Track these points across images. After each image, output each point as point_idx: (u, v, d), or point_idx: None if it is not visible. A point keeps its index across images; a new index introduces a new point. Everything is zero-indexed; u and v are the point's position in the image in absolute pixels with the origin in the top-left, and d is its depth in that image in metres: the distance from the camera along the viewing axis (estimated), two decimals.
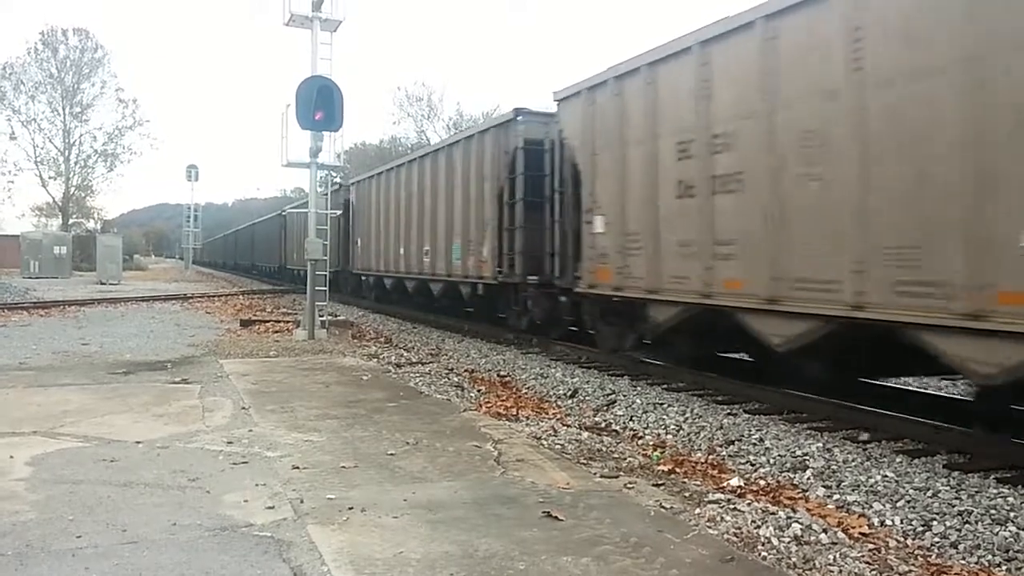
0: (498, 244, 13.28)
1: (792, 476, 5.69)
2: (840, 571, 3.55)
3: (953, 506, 4.89)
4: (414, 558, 3.47)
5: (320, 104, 12.49)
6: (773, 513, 4.24)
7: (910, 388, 8.70)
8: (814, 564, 3.59)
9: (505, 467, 5.02)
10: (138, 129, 55.03)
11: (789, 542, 3.82)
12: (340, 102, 12.69)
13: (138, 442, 5.56)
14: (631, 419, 7.75)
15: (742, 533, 3.92)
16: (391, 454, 5.32)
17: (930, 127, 5.89)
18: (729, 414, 7.64)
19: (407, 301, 19.54)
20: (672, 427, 7.33)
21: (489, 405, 7.85)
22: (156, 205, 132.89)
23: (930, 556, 4.15)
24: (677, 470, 5.54)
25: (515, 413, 7.47)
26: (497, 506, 4.22)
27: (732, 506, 4.37)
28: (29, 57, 51.83)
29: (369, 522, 3.95)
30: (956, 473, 5.54)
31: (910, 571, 3.71)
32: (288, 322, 15.05)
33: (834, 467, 5.79)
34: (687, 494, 4.70)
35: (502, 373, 10.75)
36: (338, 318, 16.12)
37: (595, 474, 5.02)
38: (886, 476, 5.49)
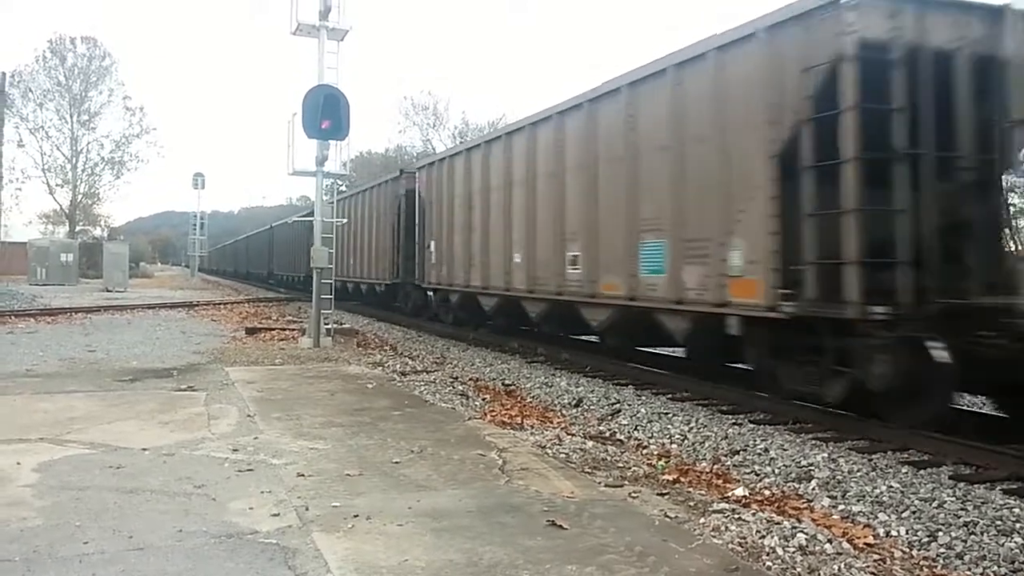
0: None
1: (797, 486, 5.68)
2: None
3: (959, 517, 4.88)
4: (419, 566, 3.48)
5: (326, 113, 12.55)
6: (778, 523, 4.24)
7: None
8: (819, 574, 3.59)
9: (510, 476, 5.02)
10: (145, 137, 55.42)
11: (794, 552, 3.81)
12: (346, 111, 12.76)
13: (144, 449, 5.58)
14: (636, 428, 7.75)
15: (747, 543, 3.92)
16: (396, 462, 5.33)
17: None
18: (734, 424, 7.63)
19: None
20: (677, 437, 7.33)
21: (494, 414, 7.86)
22: (162, 213, 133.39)
23: (935, 567, 4.14)
24: (682, 479, 5.54)
25: (520, 422, 7.47)
26: (502, 514, 4.23)
27: (737, 516, 4.36)
28: (37, 65, 52.27)
29: (374, 530, 3.96)
30: (962, 484, 5.53)
31: None
32: (293, 330, 15.10)
33: (839, 477, 5.79)
34: (692, 504, 4.70)
35: (507, 382, 10.76)
36: (343, 326, 16.16)
37: (600, 483, 5.02)
38: (891, 487, 5.48)
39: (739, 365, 9.76)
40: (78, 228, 56.24)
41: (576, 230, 10.83)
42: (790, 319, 7.03)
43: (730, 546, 3.86)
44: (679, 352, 11.72)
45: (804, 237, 6.92)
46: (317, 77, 13.04)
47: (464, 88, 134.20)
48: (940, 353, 6.29)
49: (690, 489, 5.20)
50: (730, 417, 7.94)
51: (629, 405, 8.74)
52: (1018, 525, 4.69)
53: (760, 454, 6.55)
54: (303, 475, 4.95)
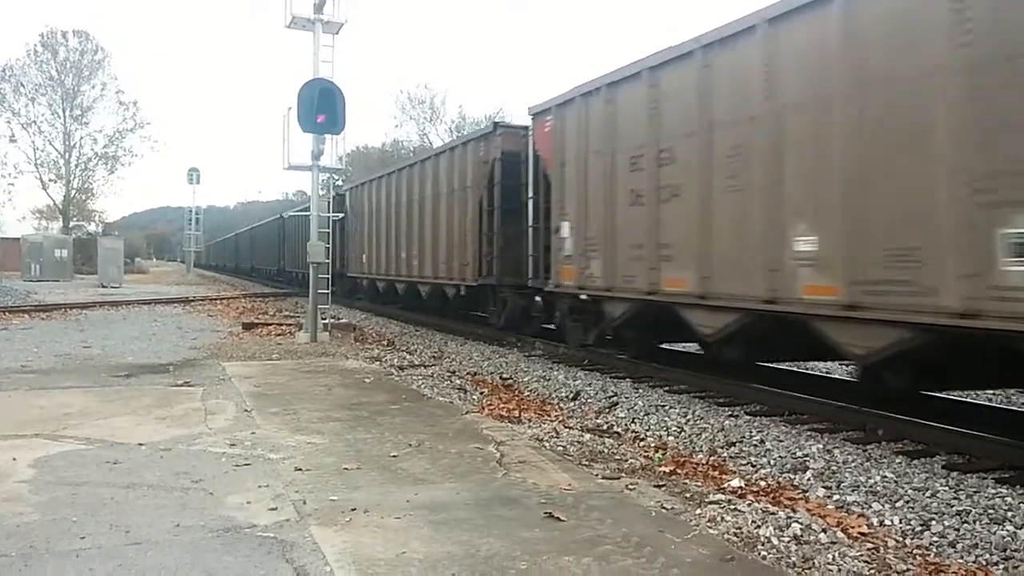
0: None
1: (792, 477, 5.71)
2: (839, 570, 3.57)
3: (951, 506, 4.91)
4: (416, 558, 3.49)
5: (322, 107, 12.53)
6: (773, 513, 4.27)
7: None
8: (813, 563, 3.62)
9: (507, 469, 5.04)
10: (139, 131, 55.15)
11: (789, 541, 3.84)
12: (342, 105, 12.74)
13: (141, 444, 5.59)
14: (633, 421, 7.78)
15: (742, 533, 3.94)
16: (394, 456, 5.34)
17: None
18: (730, 416, 7.66)
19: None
20: (674, 429, 7.36)
21: (492, 407, 7.87)
22: (158, 208, 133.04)
23: (928, 555, 4.17)
24: (678, 471, 5.56)
25: (517, 415, 7.49)
26: (499, 507, 4.25)
27: (732, 506, 4.39)
28: (29, 59, 51.97)
29: (372, 523, 3.97)
30: (955, 473, 5.57)
31: (908, 570, 3.74)
32: (290, 325, 15.09)
33: (834, 468, 5.82)
34: (688, 495, 4.72)
35: (505, 376, 10.78)
36: (340, 321, 16.17)
37: (597, 475, 5.04)
38: (885, 476, 5.51)
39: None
40: (72, 223, 56.08)
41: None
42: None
43: (726, 536, 3.88)
44: (678, 347, 11.77)
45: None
46: (312, 71, 13.02)
47: (461, 82, 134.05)
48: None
49: (686, 480, 5.22)
50: (726, 409, 7.97)
51: (626, 398, 8.77)
52: (1010, 514, 4.72)
53: (756, 445, 6.58)
54: (301, 469, 4.96)
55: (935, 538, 4.44)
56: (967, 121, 5.58)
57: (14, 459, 5.13)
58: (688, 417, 7.70)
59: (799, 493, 5.29)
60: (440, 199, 16.28)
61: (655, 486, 4.89)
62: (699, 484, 5.13)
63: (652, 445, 6.75)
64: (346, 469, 4.99)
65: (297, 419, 6.55)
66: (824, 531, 4.03)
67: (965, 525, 4.59)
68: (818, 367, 10.68)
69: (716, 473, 5.79)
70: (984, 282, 5.42)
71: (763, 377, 8.92)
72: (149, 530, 3.84)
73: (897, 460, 5.97)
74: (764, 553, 3.70)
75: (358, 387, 8.37)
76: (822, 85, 6.87)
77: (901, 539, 4.39)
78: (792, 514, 4.28)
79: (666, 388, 9.20)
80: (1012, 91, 5.29)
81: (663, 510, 4.27)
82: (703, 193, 8.29)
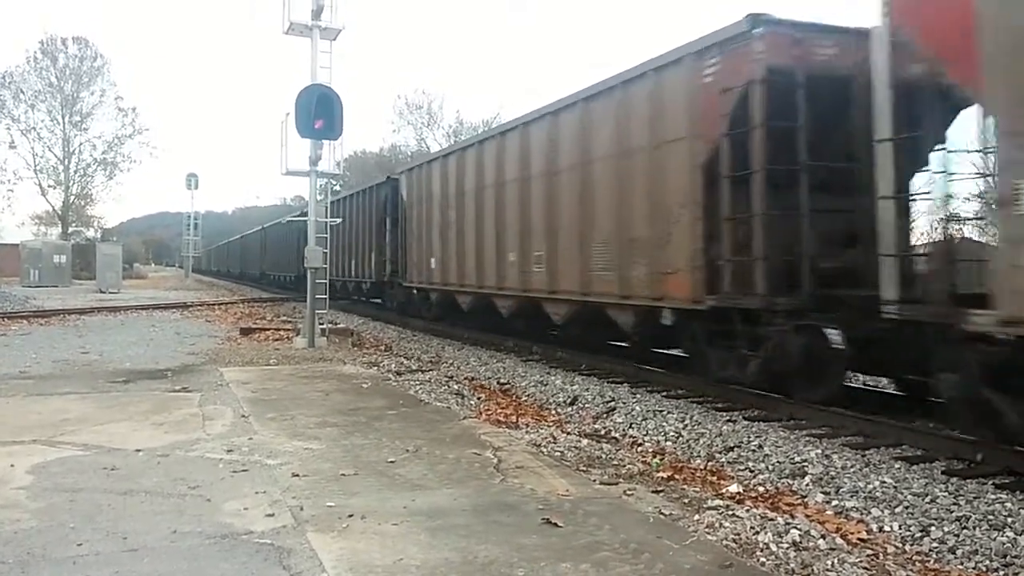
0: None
1: (791, 482, 5.70)
2: None
3: (951, 512, 4.90)
4: (414, 564, 3.48)
5: (320, 112, 12.54)
6: (772, 519, 4.26)
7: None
8: (812, 570, 3.61)
9: (505, 474, 5.03)
10: (137, 137, 55.15)
11: (787, 548, 3.83)
12: (340, 110, 12.75)
13: (138, 450, 5.57)
14: (631, 426, 7.77)
15: (741, 539, 3.93)
16: (391, 461, 5.33)
17: None
18: (728, 421, 7.65)
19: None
20: (671, 434, 7.35)
21: (489, 412, 7.87)
22: (156, 214, 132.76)
23: (928, 561, 4.16)
24: (676, 477, 5.56)
25: (515, 420, 7.49)
26: (497, 513, 4.24)
27: (731, 512, 4.38)
28: (28, 66, 51.98)
29: (369, 529, 3.96)
30: (954, 479, 5.56)
31: None
32: (288, 330, 15.08)
33: (833, 473, 5.81)
34: (686, 500, 4.72)
35: (502, 380, 10.77)
36: (338, 326, 16.14)
37: (594, 481, 5.03)
38: (884, 482, 5.50)
39: None
40: (71, 229, 56.04)
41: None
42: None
43: (724, 543, 3.87)
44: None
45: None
46: (310, 77, 13.03)
47: (459, 85, 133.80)
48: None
49: (684, 486, 5.21)
50: (724, 414, 7.96)
51: (624, 403, 8.75)
52: (1010, 519, 4.72)
53: (754, 451, 6.57)
54: (298, 475, 4.95)
55: (935, 544, 4.43)
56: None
57: (12, 465, 5.11)
58: (686, 422, 7.69)
59: (798, 499, 5.28)
60: (609, 166, 10.05)
61: (653, 492, 4.88)
62: (697, 490, 5.12)
63: (650, 450, 6.74)
64: (343, 475, 4.98)
65: (294, 425, 6.53)
66: (823, 537, 4.02)
67: (965, 531, 4.58)
68: None
69: (714, 479, 5.78)
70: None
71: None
72: (146, 537, 3.82)
73: (896, 466, 5.96)
74: (763, 559, 3.69)
75: (355, 392, 8.35)
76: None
77: (900, 545, 4.39)
78: (791, 520, 4.28)
79: (664, 393, 9.19)
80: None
81: (661, 516, 4.26)
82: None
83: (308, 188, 13.80)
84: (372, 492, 4.63)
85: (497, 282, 13.35)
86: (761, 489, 5.50)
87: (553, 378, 10.58)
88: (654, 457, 6.31)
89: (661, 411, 8.22)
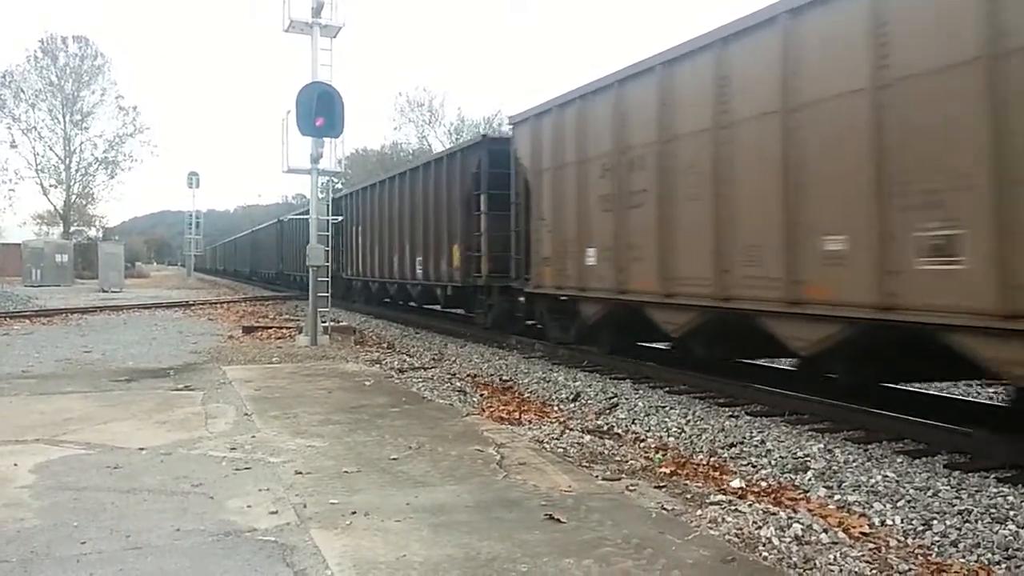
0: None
1: (793, 477, 5.70)
2: (840, 570, 3.57)
3: (953, 505, 4.90)
4: (417, 561, 3.49)
5: (321, 110, 12.54)
6: (774, 514, 4.26)
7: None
8: (815, 564, 3.61)
9: (507, 471, 5.04)
10: (139, 136, 55.25)
11: (790, 542, 3.83)
12: (341, 108, 12.75)
13: (141, 449, 5.58)
14: (633, 422, 7.77)
15: (743, 534, 3.93)
16: (394, 459, 5.34)
17: None
18: (731, 416, 7.65)
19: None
20: (674, 429, 7.35)
21: (492, 410, 7.87)
22: (158, 212, 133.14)
23: (930, 555, 4.16)
24: (679, 472, 5.56)
25: (518, 417, 7.49)
26: (499, 509, 4.25)
27: (733, 507, 4.39)
28: (29, 65, 52.12)
29: (372, 526, 3.97)
30: (956, 473, 5.56)
31: (910, 570, 3.73)
32: (290, 328, 15.10)
33: (835, 468, 5.81)
34: (689, 496, 4.72)
35: (505, 377, 10.77)
36: (340, 324, 16.17)
37: (597, 477, 5.04)
38: (887, 476, 5.50)
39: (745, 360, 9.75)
40: (73, 228, 56.13)
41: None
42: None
43: (727, 537, 3.88)
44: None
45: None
46: (311, 74, 13.03)
47: (461, 83, 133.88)
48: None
49: (687, 481, 5.21)
50: (727, 409, 7.96)
51: (627, 399, 8.76)
52: (1012, 512, 4.71)
53: (756, 446, 6.57)
54: (301, 473, 4.96)
55: (937, 538, 4.42)
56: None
57: (15, 464, 5.13)
58: (688, 418, 7.69)
59: (800, 493, 5.28)
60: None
61: (656, 487, 4.89)
62: (700, 485, 5.12)
63: (652, 446, 6.74)
64: (346, 472, 4.99)
65: (297, 422, 6.54)
66: (825, 531, 4.02)
67: (967, 524, 4.58)
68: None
69: (717, 474, 5.78)
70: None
71: (763, 377, 8.92)
72: (149, 535, 3.83)
73: (898, 460, 5.96)
74: (765, 554, 3.70)
75: (358, 390, 8.36)
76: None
77: (903, 539, 4.38)
78: (793, 514, 4.28)
79: (666, 389, 9.19)
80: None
81: (664, 511, 4.26)
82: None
83: (309, 186, 13.81)
84: (375, 489, 4.64)
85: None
86: (763, 484, 5.50)
87: (556, 374, 10.59)
88: (657, 453, 6.31)
89: (664, 407, 8.22)
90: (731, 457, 6.36)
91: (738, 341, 8.59)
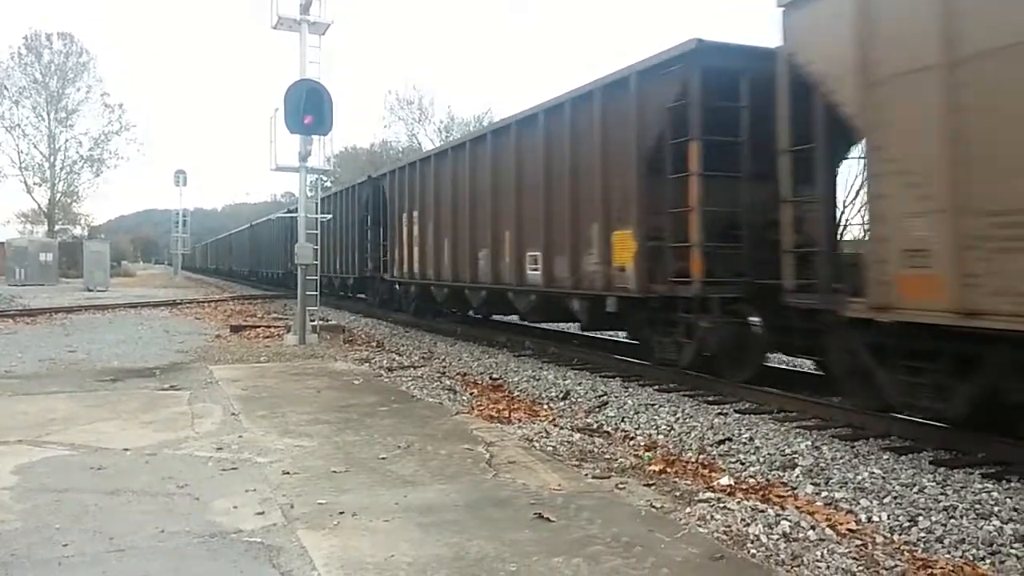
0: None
1: (781, 474, 5.71)
2: (828, 567, 3.57)
3: (939, 501, 4.92)
4: (405, 561, 3.47)
5: (309, 108, 12.49)
6: (762, 511, 4.26)
7: None
8: (802, 560, 3.62)
9: (497, 469, 5.02)
10: (125, 134, 54.81)
11: (778, 539, 3.84)
12: (329, 106, 12.70)
13: (126, 449, 5.54)
14: (623, 420, 7.77)
15: (732, 531, 3.94)
16: (382, 458, 5.31)
17: None
18: (720, 414, 7.66)
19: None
20: (663, 427, 7.35)
21: (481, 408, 7.86)
22: (144, 211, 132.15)
23: (916, 551, 4.18)
24: (668, 470, 5.56)
25: (507, 416, 7.48)
26: (489, 508, 4.23)
27: (722, 505, 4.39)
28: (12, 62, 51.55)
29: (360, 526, 3.95)
30: (942, 469, 5.58)
31: (896, 566, 3.74)
32: (279, 327, 15.03)
33: (823, 465, 5.82)
34: (678, 493, 4.72)
35: (494, 376, 10.75)
36: (329, 323, 16.10)
37: (586, 475, 5.03)
38: (873, 473, 5.52)
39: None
40: (57, 227, 55.68)
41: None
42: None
43: (715, 535, 3.88)
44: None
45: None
46: (299, 72, 12.96)
47: (452, 82, 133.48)
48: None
49: (676, 479, 5.22)
50: (716, 407, 7.97)
51: (616, 397, 8.76)
52: (996, 508, 4.74)
53: (745, 443, 6.58)
54: (288, 473, 4.93)
55: (923, 534, 4.44)
56: None
57: None
58: (678, 416, 7.70)
59: (788, 490, 5.29)
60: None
61: (645, 485, 4.89)
62: (689, 482, 5.13)
63: (642, 444, 6.74)
64: (334, 472, 4.96)
65: (285, 422, 6.51)
66: (813, 528, 4.03)
67: (952, 520, 4.60)
68: (805, 365, 10.71)
69: (706, 471, 5.79)
70: None
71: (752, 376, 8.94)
72: (133, 537, 3.80)
73: (885, 456, 5.98)
74: (753, 551, 3.70)
75: (347, 389, 8.33)
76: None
77: (889, 535, 4.40)
78: (781, 511, 4.28)
79: (656, 387, 9.19)
80: None
81: (653, 509, 4.26)
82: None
83: (298, 184, 13.74)
84: (363, 489, 4.61)
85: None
86: (752, 481, 5.51)
87: (546, 373, 10.58)
88: (646, 451, 6.31)
89: (653, 405, 8.23)
90: (720, 455, 6.37)
91: None
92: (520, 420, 7.24)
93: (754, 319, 8.27)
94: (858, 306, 6.27)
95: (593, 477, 4.99)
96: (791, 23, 7.04)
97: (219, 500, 4.37)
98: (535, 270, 11.30)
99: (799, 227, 7.24)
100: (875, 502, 4.98)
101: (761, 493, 5.11)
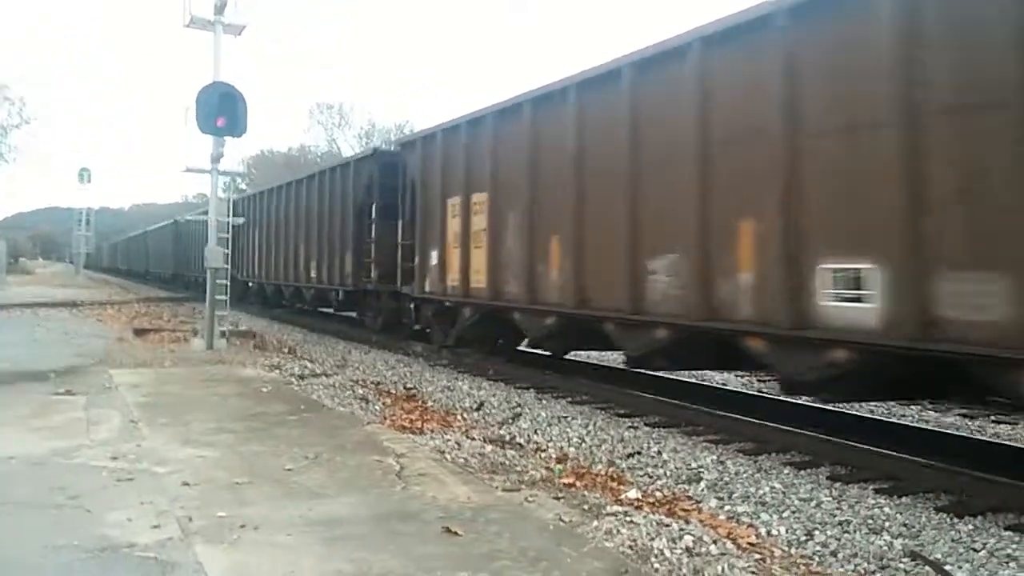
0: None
1: (687, 488, 5.84)
2: None
3: (834, 516, 5.12)
4: None
5: (223, 110, 12.15)
6: (667, 525, 4.34)
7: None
8: (703, 575, 3.69)
9: (407, 482, 4.96)
10: (25, 128, 52.07)
11: (681, 553, 3.91)
12: (243, 108, 12.38)
13: (11, 457, 5.23)
14: (535, 432, 7.80)
15: (637, 545, 3.99)
16: (289, 469, 5.18)
17: None
18: (630, 427, 7.79)
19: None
20: (575, 440, 7.42)
21: (394, 418, 7.75)
22: (45, 208, 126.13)
23: (811, 565, 4.32)
24: (577, 483, 5.60)
25: (420, 426, 7.40)
26: (396, 522, 4.17)
27: (629, 518, 4.44)
28: None
29: (261, 540, 3.83)
30: (838, 484, 5.81)
31: None
32: (186, 331, 14.52)
33: (727, 479, 5.98)
34: (586, 507, 4.75)
35: (408, 385, 10.65)
36: (239, 328, 15.65)
37: (497, 488, 5.02)
38: (774, 487, 5.70)
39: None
40: None
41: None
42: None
43: (621, 549, 3.92)
44: (581, 356, 11.92)
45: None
46: (213, 72, 12.60)
47: (370, 91, 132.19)
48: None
49: (585, 492, 5.25)
50: (627, 420, 8.10)
51: (530, 409, 8.80)
52: (887, 523, 4.96)
53: (653, 456, 6.70)
54: (188, 484, 4.75)
55: (818, 547, 4.61)
56: None
57: None
58: (589, 428, 7.78)
59: (693, 504, 5.41)
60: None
61: (554, 498, 4.90)
62: (597, 496, 5.17)
63: (553, 456, 6.78)
64: (237, 484, 4.81)
65: (188, 431, 6.28)
66: (715, 542, 4.12)
67: (846, 535, 4.79)
68: (715, 379, 11.01)
69: (615, 484, 5.85)
70: None
71: (662, 389, 9.13)
72: (17, 551, 3.59)
73: (785, 471, 6.19)
74: (657, 566, 3.75)
75: (255, 397, 8.10)
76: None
77: (787, 549, 4.54)
78: (685, 526, 4.37)
79: (569, 399, 9.28)
80: None
81: (561, 523, 4.28)
82: None
83: (210, 186, 13.34)
84: (267, 501, 4.48)
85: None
86: (659, 494, 5.60)
87: (460, 383, 10.54)
88: (557, 463, 6.34)
89: (566, 417, 8.30)
90: (629, 468, 6.46)
91: None
92: (433, 431, 7.17)
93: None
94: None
95: (503, 490, 4.98)
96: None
97: (112, 512, 4.17)
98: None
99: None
100: (775, 516, 5.14)
101: (667, 507, 5.20)
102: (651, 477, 6.18)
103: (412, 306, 13.54)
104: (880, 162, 5.74)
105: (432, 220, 12.32)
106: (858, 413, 8.73)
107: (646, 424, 7.91)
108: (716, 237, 7.09)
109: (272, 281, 21.64)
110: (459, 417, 8.65)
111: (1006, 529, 4.89)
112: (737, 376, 11.37)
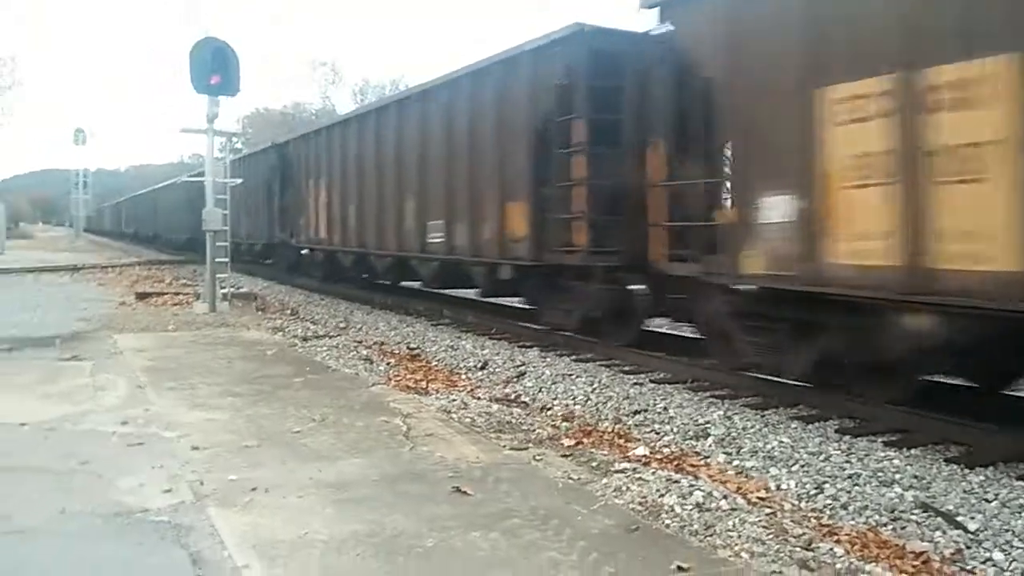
0: None
1: (695, 444, 5.86)
2: (739, 536, 3.67)
3: (844, 469, 5.14)
4: (319, 539, 3.39)
5: (216, 68, 11.94)
6: (676, 481, 4.35)
7: None
8: (715, 530, 3.70)
9: (414, 442, 4.97)
10: (17, 89, 51.43)
11: (691, 509, 3.92)
12: (236, 66, 12.17)
13: (23, 424, 5.24)
14: (540, 390, 7.82)
15: (647, 502, 4.00)
16: (296, 431, 5.19)
17: None
18: (635, 384, 7.80)
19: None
20: (580, 398, 7.44)
21: (398, 379, 7.77)
22: (43, 170, 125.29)
23: (822, 518, 4.35)
24: (585, 441, 5.62)
25: (425, 386, 7.42)
26: (406, 482, 4.18)
27: (637, 475, 4.45)
28: None
29: (273, 503, 3.84)
30: (847, 437, 5.83)
31: (804, 533, 3.87)
32: (188, 294, 14.50)
33: (734, 434, 6.00)
34: (594, 464, 4.77)
35: (412, 346, 10.66)
36: (242, 290, 15.63)
37: (504, 447, 5.03)
38: (782, 442, 5.72)
39: None
40: None
41: None
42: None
43: (631, 506, 3.93)
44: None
45: None
46: (205, 28, 12.37)
47: (365, 46, 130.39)
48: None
49: (593, 450, 5.27)
50: (632, 377, 8.11)
51: (534, 367, 8.81)
52: (898, 476, 4.98)
53: (660, 413, 6.72)
54: (198, 448, 4.76)
55: (828, 501, 4.63)
56: None
57: None
58: (594, 386, 7.80)
59: (701, 460, 5.43)
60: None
61: (562, 456, 4.92)
62: (605, 453, 5.19)
63: (559, 414, 6.80)
64: (246, 447, 4.81)
65: (194, 394, 6.28)
66: (725, 497, 4.13)
67: (856, 488, 4.81)
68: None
69: (622, 441, 5.88)
70: None
71: (667, 346, 9.13)
72: (31, 518, 3.60)
73: (793, 425, 6.21)
74: (668, 522, 3.77)
75: (259, 360, 8.10)
76: None
77: (797, 503, 4.57)
78: (694, 481, 4.38)
79: (573, 357, 9.29)
80: None
81: (570, 481, 4.29)
82: None
83: (206, 146, 13.19)
84: (277, 464, 4.49)
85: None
86: (667, 451, 5.63)
87: (464, 343, 10.55)
88: (563, 421, 6.36)
89: (570, 375, 8.31)
90: (635, 424, 6.48)
91: None
92: (438, 391, 7.19)
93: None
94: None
95: (511, 449, 4.99)
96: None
97: (124, 477, 4.18)
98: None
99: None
100: (784, 470, 5.16)
101: (675, 463, 5.22)
102: (658, 434, 6.20)
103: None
104: None
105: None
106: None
107: (651, 381, 7.92)
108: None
109: (351, 248, 15.48)
110: (464, 376, 8.67)
111: (1018, 479, 4.91)
112: None
